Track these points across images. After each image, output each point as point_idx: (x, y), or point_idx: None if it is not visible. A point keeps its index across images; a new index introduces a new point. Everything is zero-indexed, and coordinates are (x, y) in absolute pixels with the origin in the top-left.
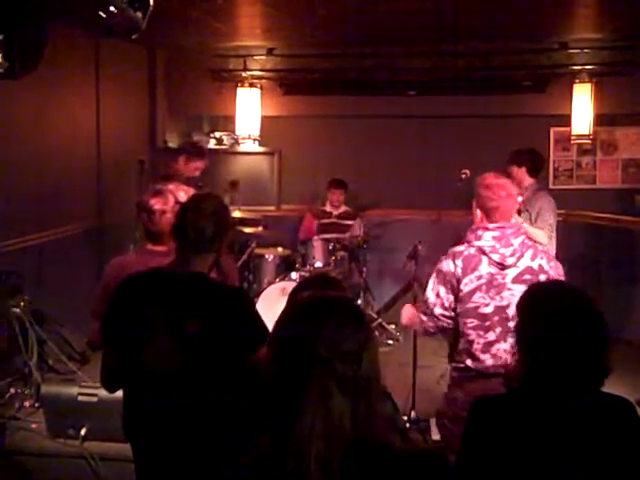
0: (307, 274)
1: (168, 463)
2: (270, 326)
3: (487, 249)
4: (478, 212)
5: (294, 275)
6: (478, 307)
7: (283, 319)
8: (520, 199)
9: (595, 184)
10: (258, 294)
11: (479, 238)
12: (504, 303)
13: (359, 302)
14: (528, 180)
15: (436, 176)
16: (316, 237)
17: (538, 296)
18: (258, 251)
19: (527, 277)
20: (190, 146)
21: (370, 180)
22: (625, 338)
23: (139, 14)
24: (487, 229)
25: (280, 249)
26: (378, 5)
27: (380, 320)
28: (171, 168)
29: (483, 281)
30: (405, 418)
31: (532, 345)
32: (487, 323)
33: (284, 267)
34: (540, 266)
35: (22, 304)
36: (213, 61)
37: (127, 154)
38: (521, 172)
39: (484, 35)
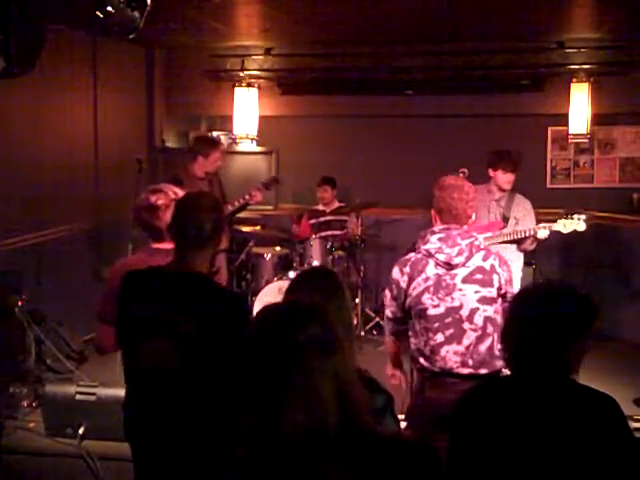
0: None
1: (165, 462)
2: None
3: (433, 250)
4: (433, 213)
5: (292, 274)
6: (426, 309)
7: (255, 321)
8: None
9: (593, 183)
10: (256, 293)
11: (426, 242)
12: (456, 304)
13: (357, 301)
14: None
15: (434, 175)
16: (314, 236)
17: (524, 296)
18: (256, 250)
19: (479, 277)
20: (201, 141)
21: (368, 179)
22: (623, 337)
23: (136, 14)
24: (433, 232)
25: (278, 248)
26: (377, 4)
27: (377, 319)
28: (185, 171)
29: (430, 282)
30: (402, 417)
31: (510, 340)
32: (435, 325)
33: (282, 266)
34: (492, 266)
35: (20, 303)
36: (211, 61)
37: (125, 154)
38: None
39: (482, 35)
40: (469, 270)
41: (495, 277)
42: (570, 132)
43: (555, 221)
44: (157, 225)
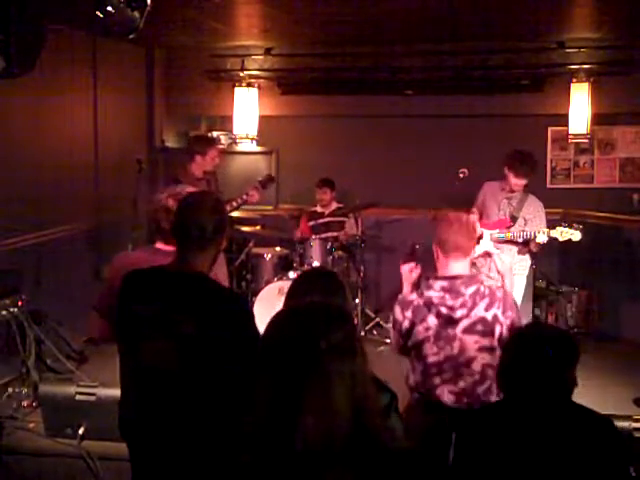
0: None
1: (162, 462)
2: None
3: (435, 300)
4: (435, 249)
5: (292, 274)
6: (426, 356)
7: (271, 330)
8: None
9: (593, 183)
10: (256, 293)
11: (429, 287)
12: (454, 352)
13: (357, 301)
14: (515, 181)
15: (434, 175)
16: (314, 236)
17: (515, 339)
18: (256, 250)
19: (479, 328)
20: (198, 140)
21: (368, 179)
22: (623, 337)
23: (136, 14)
24: (437, 279)
25: (278, 248)
26: (377, 4)
27: (378, 319)
28: (184, 171)
29: (431, 333)
30: None
31: (506, 378)
32: (433, 370)
33: (282, 266)
34: (495, 316)
35: (20, 303)
36: (211, 61)
37: (125, 154)
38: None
39: (482, 35)
40: (470, 321)
41: (497, 328)
42: (570, 132)
43: (554, 227)
44: (167, 227)
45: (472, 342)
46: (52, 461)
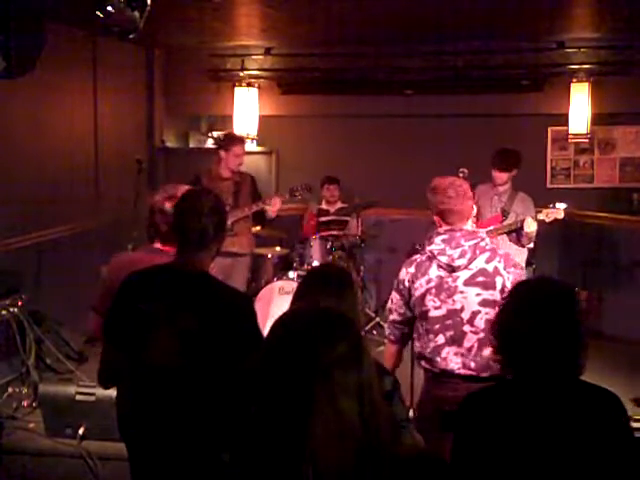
0: (305, 273)
1: (163, 459)
2: (266, 326)
3: (436, 252)
4: (436, 219)
5: (292, 274)
6: (428, 310)
7: (274, 336)
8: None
9: (593, 183)
10: (256, 293)
11: (431, 243)
12: (457, 306)
13: None
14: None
15: (434, 175)
16: (314, 236)
17: (518, 291)
18: (256, 250)
19: (480, 279)
20: (225, 136)
21: (368, 179)
22: (623, 337)
23: (136, 14)
24: (439, 233)
25: (278, 248)
26: (376, 4)
27: (378, 319)
28: (209, 172)
29: (432, 284)
30: None
31: (505, 337)
32: (436, 326)
33: (282, 266)
34: (496, 269)
35: (20, 303)
36: (211, 61)
37: (125, 154)
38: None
39: (482, 35)
40: (471, 272)
41: (498, 280)
42: (570, 132)
43: (540, 212)
44: (164, 230)
45: (474, 295)
46: (52, 461)
